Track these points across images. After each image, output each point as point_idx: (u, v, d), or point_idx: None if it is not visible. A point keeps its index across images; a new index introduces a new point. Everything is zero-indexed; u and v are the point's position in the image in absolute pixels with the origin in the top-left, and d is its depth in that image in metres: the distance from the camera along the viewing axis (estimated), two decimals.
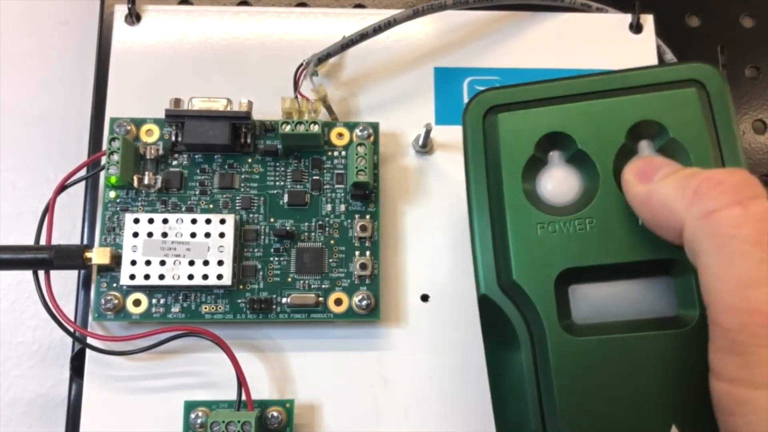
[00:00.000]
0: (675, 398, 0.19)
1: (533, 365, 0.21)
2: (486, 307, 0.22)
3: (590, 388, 0.20)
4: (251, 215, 0.30)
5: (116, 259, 0.28)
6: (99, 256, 0.28)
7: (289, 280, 0.29)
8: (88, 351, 0.28)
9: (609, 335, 0.20)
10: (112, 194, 0.29)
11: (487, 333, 0.23)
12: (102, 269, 0.29)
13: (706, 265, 0.18)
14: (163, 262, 0.28)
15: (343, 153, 0.30)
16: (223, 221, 0.28)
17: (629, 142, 0.22)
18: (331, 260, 0.29)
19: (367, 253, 0.29)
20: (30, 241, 0.29)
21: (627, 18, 0.34)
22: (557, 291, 0.21)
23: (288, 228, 0.29)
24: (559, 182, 0.22)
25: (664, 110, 0.22)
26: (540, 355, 0.21)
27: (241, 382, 0.27)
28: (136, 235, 0.28)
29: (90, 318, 0.29)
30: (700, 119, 0.21)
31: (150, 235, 0.28)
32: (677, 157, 0.22)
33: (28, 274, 0.28)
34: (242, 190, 0.30)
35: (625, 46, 0.34)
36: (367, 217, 0.30)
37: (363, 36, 0.31)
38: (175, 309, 0.28)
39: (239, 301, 0.29)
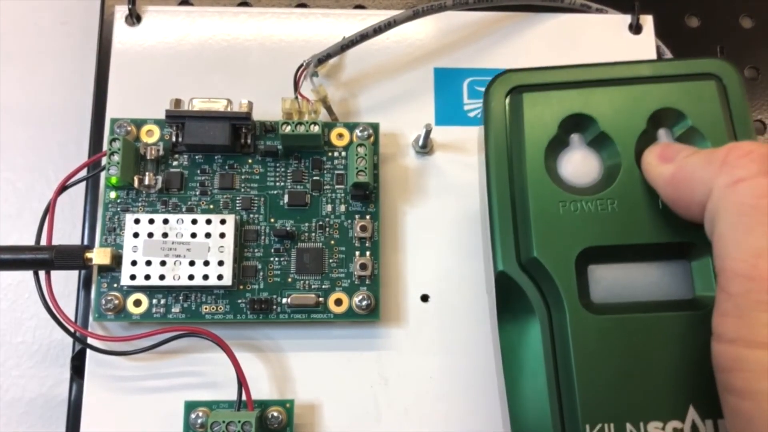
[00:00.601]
0: (692, 380, 0.20)
1: (551, 342, 0.21)
2: (503, 283, 0.22)
3: (608, 365, 0.20)
4: (251, 215, 0.30)
5: (117, 260, 0.28)
6: (99, 256, 0.28)
7: (290, 280, 0.29)
8: (88, 351, 0.29)
9: (627, 314, 0.21)
10: (113, 194, 0.29)
11: (502, 310, 0.23)
12: (102, 269, 0.29)
13: (722, 233, 0.18)
14: (163, 263, 0.28)
15: (343, 153, 0.30)
16: (223, 221, 0.28)
17: (650, 128, 0.23)
18: (331, 260, 0.29)
19: (367, 253, 0.29)
20: (30, 241, 0.29)
21: (626, 18, 0.34)
22: (578, 269, 0.21)
23: (288, 228, 0.29)
24: (581, 163, 0.23)
25: (685, 99, 0.23)
26: (558, 332, 0.21)
27: (242, 382, 0.27)
28: (136, 235, 0.28)
29: (90, 318, 0.29)
30: (718, 110, 0.22)
31: (150, 235, 0.28)
32: (696, 144, 0.22)
33: (28, 274, 0.28)
34: (242, 190, 0.30)
35: (625, 46, 0.34)
36: (367, 217, 0.30)
37: (363, 37, 0.31)
38: (176, 309, 0.28)
39: (239, 301, 0.29)
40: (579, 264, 0.21)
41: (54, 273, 0.28)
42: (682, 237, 0.21)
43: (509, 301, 0.23)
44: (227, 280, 0.28)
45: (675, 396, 0.20)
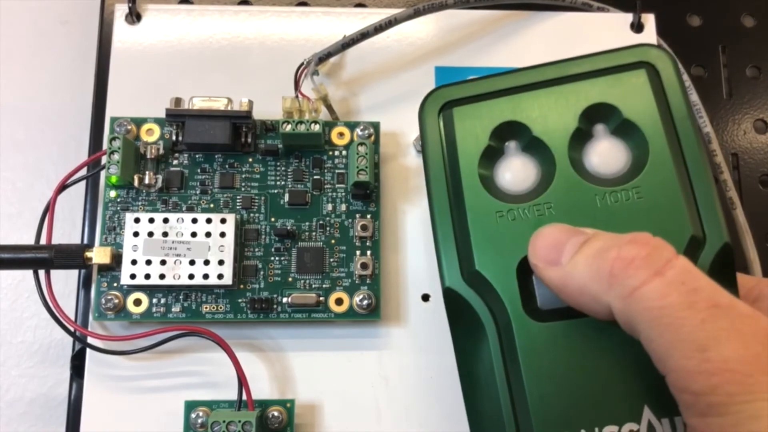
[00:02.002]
0: (645, 380, 0.19)
1: (501, 355, 0.21)
2: (451, 299, 0.22)
3: (558, 372, 0.20)
4: (252, 215, 0.30)
5: (117, 259, 0.28)
6: (99, 255, 0.28)
7: (290, 279, 0.29)
8: (88, 351, 0.28)
9: (573, 318, 0.20)
10: (113, 194, 0.29)
11: (454, 326, 0.23)
12: (102, 269, 0.29)
13: (650, 338, 0.18)
14: (163, 262, 0.28)
15: (344, 152, 0.30)
16: (223, 221, 0.28)
17: (583, 126, 0.22)
18: (331, 260, 0.29)
19: (368, 252, 0.29)
20: (30, 240, 0.29)
21: (628, 17, 0.34)
22: (520, 278, 0.21)
23: (289, 227, 0.29)
24: (516, 170, 0.22)
25: (614, 92, 0.22)
26: (507, 343, 0.21)
27: (242, 382, 0.27)
28: (136, 234, 0.28)
29: (90, 317, 0.29)
30: (650, 98, 0.22)
31: (150, 234, 0.28)
32: (632, 138, 0.22)
33: (28, 273, 0.28)
34: (243, 189, 0.30)
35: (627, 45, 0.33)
36: (368, 216, 0.30)
37: (364, 35, 0.31)
38: (176, 309, 0.28)
39: (240, 300, 0.29)
40: (521, 273, 0.21)
41: (54, 272, 0.28)
42: (624, 233, 0.20)
43: (459, 317, 0.22)
44: (227, 280, 0.28)
45: (628, 398, 0.19)
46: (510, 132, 0.23)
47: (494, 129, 0.23)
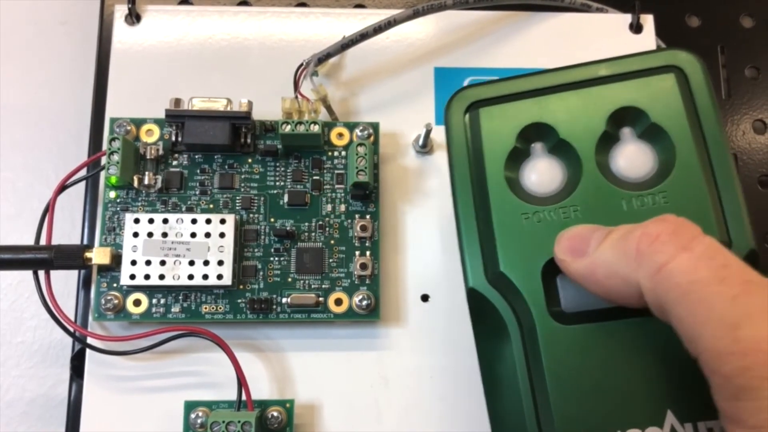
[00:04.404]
0: (669, 384, 0.19)
1: (524, 355, 0.21)
2: (475, 300, 0.22)
3: (581, 375, 0.20)
4: (251, 215, 0.30)
5: (116, 259, 0.28)
6: (99, 256, 0.28)
7: (289, 280, 0.29)
8: (88, 351, 0.28)
9: (598, 322, 0.20)
10: (113, 194, 0.29)
11: (477, 326, 0.23)
12: (102, 269, 0.29)
13: (680, 317, 0.17)
14: (163, 262, 0.28)
15: (343, 153, 0.30)
16: (223, 221, 0.28)
17: (611, 129, 0.22)
18: (331, 260, 0.29)
19: (367, 253, 0.29)
20: (30, 241, 0.29)
21: (627, 18, 0.34)
22: (545, 280, 0.21)
23: (288, 228, 0.29)
24: (542, 172, 0.22)
25: (642, 96, 0.22)
26: (530, 344, 0.21)
27: (242, 382, 0.27)
28: (136, 235, 0.28)
29: (90, 318, 0.29)
30: (679, 103, 0.22)
31: (150, 235, 0.28)
32: (660, 142, 0.22)
33: (28, 274, 0.28)
34: (242, 190, 0.30)
35: (625, 46, 0.33)
36: (367, 217, 0.30)
37: (363, 36, 0.31)
38: (176, 309, 0.28)
39: (239, 301, 0.29)
40: (546, 275, 0.21)
41: (54, 273, 0.28)
42: None
43: (483, 317, 0.22)
44: (227, 280, 0.28)
45: (652, 401, 0.19)
46: (537, 133, 0.23)
47: (521, 130, 0.22)
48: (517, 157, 0.23)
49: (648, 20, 0.34)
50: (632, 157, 0.22)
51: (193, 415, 0.28)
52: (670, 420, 0.19)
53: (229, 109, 0.29)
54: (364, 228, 0.29)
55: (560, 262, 0.20)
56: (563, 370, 0.20)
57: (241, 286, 0.29)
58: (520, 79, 0.23)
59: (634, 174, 0.22)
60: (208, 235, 0.28)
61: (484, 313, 0.22)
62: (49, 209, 0.29)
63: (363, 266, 0.29)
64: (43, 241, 0.28)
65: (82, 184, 0.31)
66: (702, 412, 0.19)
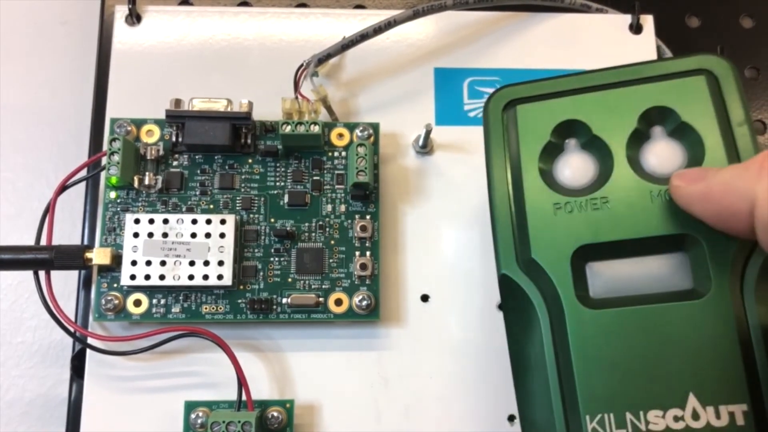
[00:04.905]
0: (692, 367, 0.20)
1: (552, 338, 0.22)
2: (506, 285, 0.23)
3: (606, 358, 0.21)
4: (251, 215, 0.30)
5: (117, 260, 0.28)
6: (99, 256, 0.28)
7: (290, 280, 0.29)
8: (88, 351, 0.29)
9: (624, 307, 0.21)
10: (113, 194, 0.29)
11: (507, 311, 0.24)
12: (102, 269, 0.29)
13: None
14: (163, 263, 0.28)
15: (344, 153, 0.30)
16: (223, 221, 0.28)
17: (642, 127, 0.23)
18: (331, 260, 0.29)
19: (367, 253, 0.29)
20: (30, 241, 0.29)
21: (627, 18, 0.34)
22: (574, 267, 0.22)
23: (288, 228, 0.29)
24: (575, 166, 0.24)
25: (673, 96, 0.23)
26: (558, 328, 0.22)
27: (242, 382, 0.27)
28: (136, 235, 0.28)
29: (90, 318, 0.29)
30: (708, 103, 0.22)
31: (150, 235, 0.28)
32: (689, 140, 0.23)
33: (28, 274, 0.28)
34: (242, 190, 0.30)
35: (625, 46, 0.34)
36: (368, 217, 0.30)
37: (363, 36, 0.31)
38: (176, 309, 0.28)
39: (239, 301, 0.29)
40: (576, 262, 0.22)
41: (54, 273, 0.28)
42: (675, 229, 0.21)
43: (514, 302, 0.23)
44: (227, 280, 0.28)
45: (674, 384, 0.20)
46: (571, 130, 0.24)
47: (556, 126, 0.24)
48: (552, 151, 0.24)
49: (648, 21, 0.34)
50: (662, 154, 0.23)
51: (193, 416, 0.28)
52: (692, 402, 0.20)
53: (229, 109, 0.29)
54: (364, 228, 0.30)
55: (674, 188, 0.21)
56: (589, 352, 0.21)
57: (242, 287, 0.29)
58: (555, 80, 0.24)
59: (663, 170, 0.23)
60: (208, 235, 0.28)
61: (515, 298, 0.23)
62: (49, 209, 0.29)
63: (363, 266, 0.29)
64: (43, 242, 0.28)
65: (83, 185, 0.31)
66: (723, 395, 0.20)
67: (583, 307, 0.21)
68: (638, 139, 0.23)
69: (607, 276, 0.22)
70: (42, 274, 0.28)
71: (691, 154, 0.23)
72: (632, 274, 0.22)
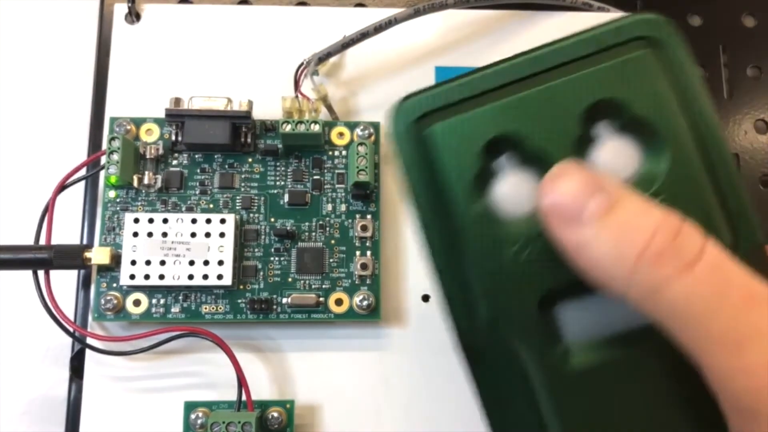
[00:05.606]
0: (681, 420, 0.18)
1: (528, 399, 0.19)
2: (467, 352, 0.19)
3: (591, 416, 0.18)
4: (251, 215, 0.30)
5: (116, 259, 0.28)
6: (99, 255, 0.28)
7: (290, 280, 0.29)
8: (87, 351, 0.28)
9: (606, 353, 0.18)
10: (112, 194, 0.29)
11: (477, 383, 0.20)
12: (102, 269, 0.29)
13: (676, 332, 0.16)
14: (163, 262, 0.28)
15: (344, 152, 0.30)
16: (223, 221, 0.28)
17: (586, 129, 0.18)
18: (331, 260, 0.29)
19: (368, 253, 0.29)
20: (30, 241, 0.28)
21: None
22: (543, 317, 0.18)
23: (288, 228, 0.29)
24: (514, 192, 0.19)
25: (616, 83, 0.18)
26: (536, 388, 0.18)
27: (242, 383, 0.27)
28: (136, 234, 0.28)
29: (90, 318, 0.29)
30: (658, 84, 0.18)
31: (150, 234, 0.28)
32: (644, 133, 0.18)
33: (27, 273, 0.28)
34: (242, 189, 0.30)
35: None
36: (368, 216, 0.30)
37: (364, 35, 0.31)
38: (175, 309, 0.28)
39: (239, 301, 0.29)
40: (543, 310, 0.18)
41: (53, 273, 0.28)
42: None
43: (478, 366, 0.19)
44: (227, 280, 0.28)
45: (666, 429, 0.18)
46: (502, 147, 0.19)
47: (483, 147, 0.18)
48: (486, 178, 0.19)
49: None
50: (613, 158, 0.19)
51: (193, 416, 0.28)
52: None
53: (229, 108, 0.29)
54: (364, 228, 0.29)
55: (545, 216, 0.17)
56: (572, 411, 0.18)
57: (242, 286, 0.29)
58: (469, 79, 0.19)
59: (621, 175, 0.18)
60: (208, 234, 0.28)
61: (479, 363, 0.19)
62: (48, 209, 0.29)
63: (363, 266, 0.29)
64: (42, 241, 0.28)
65: (82, 184, 0.31)
66: None
67: (560, 364, 0.18)
68: (584, 144, 0.19)
69: (581, 317, 0.18)
70: (41, 273, 0.28)
71: (649, 149, 0.18)
72: (607, 309, 0.19)
